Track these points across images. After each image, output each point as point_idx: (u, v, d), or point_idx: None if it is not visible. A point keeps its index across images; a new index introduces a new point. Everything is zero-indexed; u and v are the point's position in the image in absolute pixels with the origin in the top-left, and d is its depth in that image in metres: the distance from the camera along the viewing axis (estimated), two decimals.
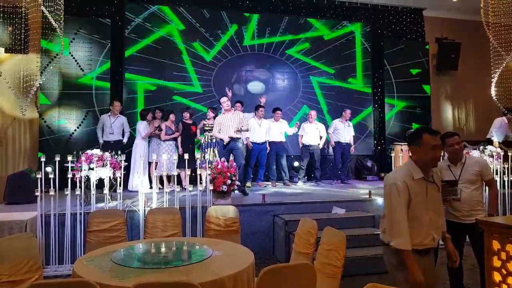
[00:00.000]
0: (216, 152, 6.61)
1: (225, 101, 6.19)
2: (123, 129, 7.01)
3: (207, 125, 6.90)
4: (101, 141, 6.86)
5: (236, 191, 6.13)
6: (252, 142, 7.24)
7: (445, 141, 3.38)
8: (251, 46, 8.46)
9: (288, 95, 8.72)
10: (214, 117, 6.86)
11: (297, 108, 8.78)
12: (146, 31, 7.92)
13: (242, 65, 8.40)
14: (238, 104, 7.15)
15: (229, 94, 7.02)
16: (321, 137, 7.82)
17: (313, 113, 7.81)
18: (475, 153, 6.77)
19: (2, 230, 4.26)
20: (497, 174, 5.76)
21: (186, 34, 7.99)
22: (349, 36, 8.99)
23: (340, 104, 8.77)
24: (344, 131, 7.88)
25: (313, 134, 7.71)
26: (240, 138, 6.24)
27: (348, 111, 7.99)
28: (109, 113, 6.90)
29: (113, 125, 6.78)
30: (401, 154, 6.87)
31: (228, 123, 6.11)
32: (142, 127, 6.86)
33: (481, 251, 2.96)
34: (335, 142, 7.87)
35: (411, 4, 9.33)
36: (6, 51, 7.08)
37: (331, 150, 8.28)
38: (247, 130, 6.47)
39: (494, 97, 7.27)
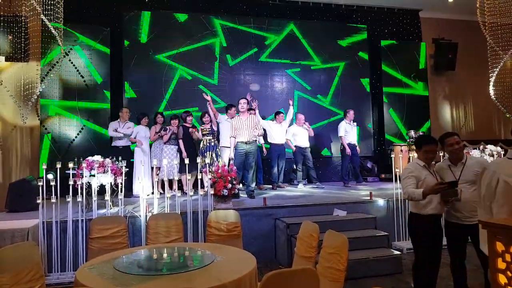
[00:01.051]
0: (214, 155, 6.63)
1: (241, 103, 6.23)
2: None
3: (204, 129, 6.91)
4: (117, 134, 6.77)
5: (243, 195, 6.16)
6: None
7: (444, 141, 3.39)
8: (263, 62, 8.87)
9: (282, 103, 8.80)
10: (210, 121, 6.91)
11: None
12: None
13: (250, 73, 8.81)
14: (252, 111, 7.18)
15: (249, 98, 7.09)
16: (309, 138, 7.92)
17: (301, 116, 7.84)
18: (475, 153, 6.79)
19: (4, 238, 4.26)
20: None
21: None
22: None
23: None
24: (351, 132, 7.89)
25: (303, 136, 7.75)
26: (255, 141, 6.27)
27: (352, 112, 8.01)
28: (118, 120, 6.91)
29: (122, 131, 6.79)
30: (401, 155, 6.88)
31: (243, 126, 6.14)
32: (143, 131, 6.92)
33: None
34: (346, 144, 7.79)
35: (407, 5, 9.37)
36: (6, 60, 7.11)
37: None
38: (261, 135, 6.50)
39: (493, 96, 7.29)
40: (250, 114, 6.39)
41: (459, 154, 3.35)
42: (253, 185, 6.40)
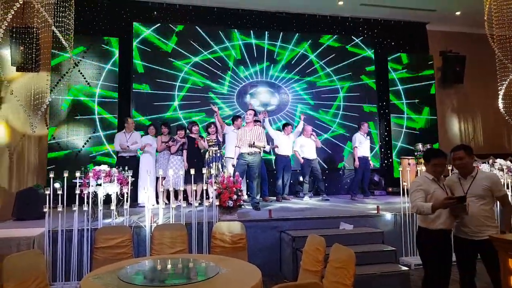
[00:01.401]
0: (220, 166, 6.62)
1: (248, 114, 6.30)
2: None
3: (210, 140, 6.93)
4: (124, 146, 6.77)
5: (248, 207, 6.13)
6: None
7: (451, 155, 3.38)
8: (272, 76, 8.94)
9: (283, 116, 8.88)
10: (216, 132, 6.93)
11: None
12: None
13: (258, 86, 8.87)
14: (259, 122, 7.20)
15: (251, 106, 7.17)
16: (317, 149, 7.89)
17: (309, 127, 7.84)
18: (484, 167, 6.70)
19: (10, 246, 4.26)
20: (508, 188, 5.68)
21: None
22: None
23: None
24: (365, 144, 7.85)
25: (310, 147, 7.73)
26: (259, 152, 6.25)
27: (366, 124, 8.00)
28: (124, 130, 6.93)
29: (129, 141, 6.80)
30: (408, 168, 6.82)
31: (247, 137, 6.15)
32: (150, 141, 6.97)
33: (496, 269, 2.89)
34: (359, 157, 7.74)
35: (414, 18, 9.39)
36: (17, 70, 7.24)
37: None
38: (264, 147, 6.48)
39: (502, 109, 7.23)
40: (255, 125, 6.40)
41: (463, 170, 3.31)
42: (258, 196, 6.36)
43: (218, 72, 8.56)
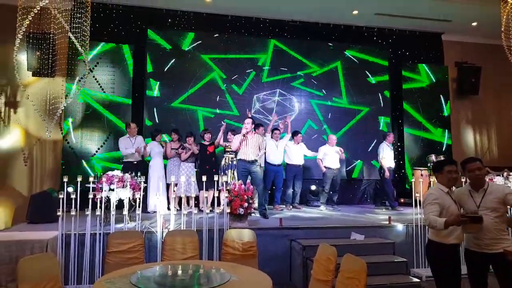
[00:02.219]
0: (235, 174, 6.63)
1: (246, 123, 6.25)
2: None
3: (228, 147, 6.95)
4: (133, 150, 6.77)
5: (257, 214, 6.12)
6: (268, 163, 7.27)
7: (465, 167, 3.32)
8: (267, 82, 8.94)
9: (298, 121, 8.84)
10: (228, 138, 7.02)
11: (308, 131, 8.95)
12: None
13: (261, 95, 8.89)
14: (261, 128, 7.20)
15: (249, 115, 7.16)
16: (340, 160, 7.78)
17: (333, 137, 7.81)
18: (498, 180, 6.60)
19: (24, 249, 4.33)
20: None
21: (225, 80, 8.77)
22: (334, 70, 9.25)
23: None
24: (390, 155, 7.81)
25: (334, 157, 7.68)
26: (257, 160, 6.25)
27: (392, 135, 7.99)
28: (127, 135, 6.94)
29: (134, 146, 6.85)
30: (421, 179, 6.75)
31: (248, 145, 6.16)
32: (157, 147, 7.02)
33: (509, 283, 2.84)
34: (387, 167, 7.66)
35: (429, 28, 9.35)
36: (33, 75, 7.38)
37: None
38: (263, 155, 6.49)
39: None
40: (255, 133, 6.40)
41: (481, 181, 3.27)
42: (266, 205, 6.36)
43: (237, 75, 8.66)
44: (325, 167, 7.64)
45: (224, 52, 8.69)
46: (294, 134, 7.69)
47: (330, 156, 7.65)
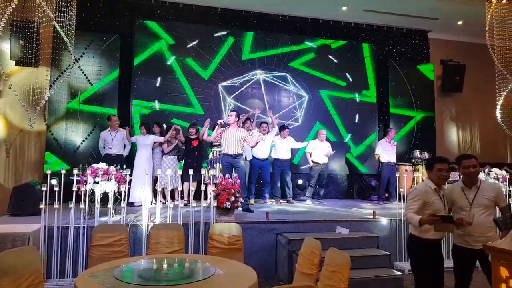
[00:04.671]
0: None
1: (230, 115, 6.20)
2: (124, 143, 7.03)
3: (215, 141, 6.92)
4: (103, 153, 6.90)
5: (240, 209, 6.12)
6: (254, 158, 7.26)
7: (461, 163, 3.33)
8: (251, 60, 8.58)
9: (294, 112, 8.76)
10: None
11: (309, 126, 8.81)
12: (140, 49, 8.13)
13: (241, 81, 8.52)
14: (248, 125, 7.21)
15: (257, 113, 7.27)
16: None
17: (323, 132, 7.85)
18: (480, 176, 6.73)
19: (5, 242, 4.26)
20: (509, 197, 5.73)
21: (176, 50, 8.17)
22: (357, 49, 9.12)
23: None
24: (391, 151, 7.88)
25: (322, 152, 7.71)
26: (241, 154, 6.22)
27: (393, 131, 8.07)
28: (109, 129, 6.93)
29: (115, 139, 6.81)
30: (405, 174, 6.85)
31: (230, 138, 6.12)
32: (142, 139, 6.95)
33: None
34: (384, 162, 7.81)
35: (416, 26, 9.43)
36: (16, 64, 7.20)
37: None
38: (254, 145, 6.43)
39: (499, 119, 7.28)
40: (239, 127, 6.37)
41: (474, 178, 3.29)
42: (252, 200, 6.34)
43: (226, 70, 8.38)
44: (312, 161, 7.68)
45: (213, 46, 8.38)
46: (281, 128, 7.68)
47: (318, 151, 7.69)
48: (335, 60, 9.04)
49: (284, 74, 8.78)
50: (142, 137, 6.94)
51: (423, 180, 3.97)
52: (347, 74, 9.11)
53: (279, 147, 7.56)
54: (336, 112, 9.03)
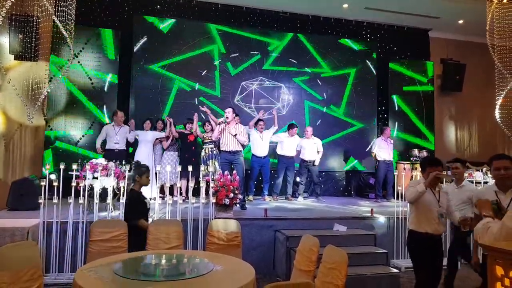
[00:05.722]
0: (217, 164, 6.63)
1: (226, 112, 6.20)
2: (127, 138, 7.01)
3: (206, 138, 6.94)
4: (98, 146, 6.88)
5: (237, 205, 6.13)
6: (253, 155, 7.28)
7: (492, 164, 3.06)
8: (267, 70, 8.72)
9: (292, 115, 8.79)
10: (212, 130, 6.92)
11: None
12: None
13: (255, 83, 8.67)
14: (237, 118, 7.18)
15: (262, 115, 7.29)
16: (318, 152, 7.83)
17: (310, 129, 7.87)
18: (478, 175, 6.77)
19: (4, 236, 4.27)
20: None
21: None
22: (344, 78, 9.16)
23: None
24: (386, 149, 7.90)
25: (310, 149, 7.74)
26: (240, 151, 6.24)
27: (389, 129, 8.11)
28: (113, 123, 6.93)
29: (118, 134, 6.80)
30: (403, 172, 6.87)
31: (228, 135, 6.14)
32: (143, 135, 6.96)
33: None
34: (380, 160, 7.84)
35: (417, 24, 9.42)
36: (15, 58, 7.17)
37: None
38: (244, 142, 6.44)
39: (498, 119, 7.29)
40: (236, 123, 6.38)
41: (506, 181, 2.94)
42: (251, 197, 6.38)
43: (204, 72, 8.24)
44: (301, 159, 7.73)
45: (236, 27, 8.40)
46: (290, 127, 7.74)
47: (307, 150, 7.74)
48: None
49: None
50: (143, 132, 6.96)
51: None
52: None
53: (286, 144, 7.61)
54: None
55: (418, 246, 3.33)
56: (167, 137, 6.98)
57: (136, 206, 3.86)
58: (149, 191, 6.06)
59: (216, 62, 8.36)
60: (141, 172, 3.92)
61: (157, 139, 6.99)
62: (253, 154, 7.32)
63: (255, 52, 8.58)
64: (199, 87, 8.23)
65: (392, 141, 8.13)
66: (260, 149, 7.24)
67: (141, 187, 3.95)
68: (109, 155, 6.39)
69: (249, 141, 6.89)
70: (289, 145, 7.62)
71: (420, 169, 3.53)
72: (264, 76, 8.65)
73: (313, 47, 8.98)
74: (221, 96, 8.37)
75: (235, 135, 6.13)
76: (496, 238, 2.26)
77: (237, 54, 8.48)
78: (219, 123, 6.23)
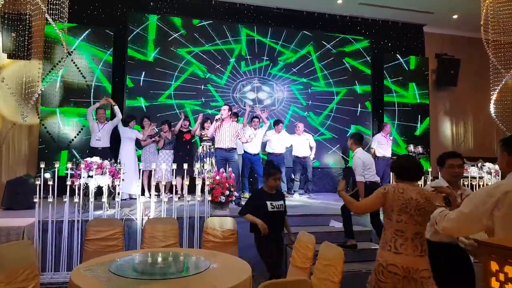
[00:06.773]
0: (213, 161, 6.62)
1: (222, 109, 6.18)
2: (110, 136, 6.87)
3: (204, 135, 6.93)
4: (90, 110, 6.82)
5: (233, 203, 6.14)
6: (245, 152, 7.28)
7: (445, 161, 3.02)
8: (245, 71, 8.81)
9: (279, 108, 8.88)
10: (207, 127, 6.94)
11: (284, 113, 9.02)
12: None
13: (241, 83, 8.79)
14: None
15: (248, 107, 7.26)
16: (311, 148, 7.84)
17: (301, 125, 7.85)
18: (473, 170, 6.81)
19: None
20: None
21: (206, 71, 8.62)
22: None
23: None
24: (387, 145, 7.90)
25: (303, 146, 7.74)
26: (235, 148, 6.23)
27: (389, 125, 8.09)
28: (96, 120, 6.83)
29: (101, 131, 6.72)
30: None
31: (224, 132, 6.12)
32: (128, 133, 6.90)
33: None
34: (379, 157, 7.82)
35: (411, 20, 9.43)
36: (8, 57, 7.12)
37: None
38: (246, 142, 6.47)
39: (493, 114, 7.32)
40: (232, 121, 6.37)
41: (458, 179, 3.01)
42: (246, 194, 6.45)
43: (218, 66, 8.54)
44: (294, 156, 7.74)
45: (202, 44, 8.51)
46: (276, 123, 7.69)
47: (299, 146, 7.74)
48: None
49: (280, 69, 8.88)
50: (129, 130, 6.91)
51: None
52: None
53: (274, 141, 7.57)
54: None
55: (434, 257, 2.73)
56: (159, 136, 6.96)
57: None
58: (130, 188, 6.09)
59: (205, 76, 8.50)
60: (269, 174, 3.86)
61: (149, 136, 6.98)
62: (244, 151, 7.31)
63: (229, 60, 8.73)
64: (205, 99, 8.42)
65: (391, 138, 8.14)
66: (252, 146, 7.23)
67: (269, 188, 3.89)
68: (93, 153, 6.27)
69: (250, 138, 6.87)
70: (277, 142, 7.58)
71: (438, 168, 3.14)
72: (265, 77, 8.79)
73: (319, 67, 9.15)
74: (224, 103, 8.41)
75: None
76: (453, 224, 2.29)
77: (218, 66, 8.62)
78: (215, 120, 6.22)
